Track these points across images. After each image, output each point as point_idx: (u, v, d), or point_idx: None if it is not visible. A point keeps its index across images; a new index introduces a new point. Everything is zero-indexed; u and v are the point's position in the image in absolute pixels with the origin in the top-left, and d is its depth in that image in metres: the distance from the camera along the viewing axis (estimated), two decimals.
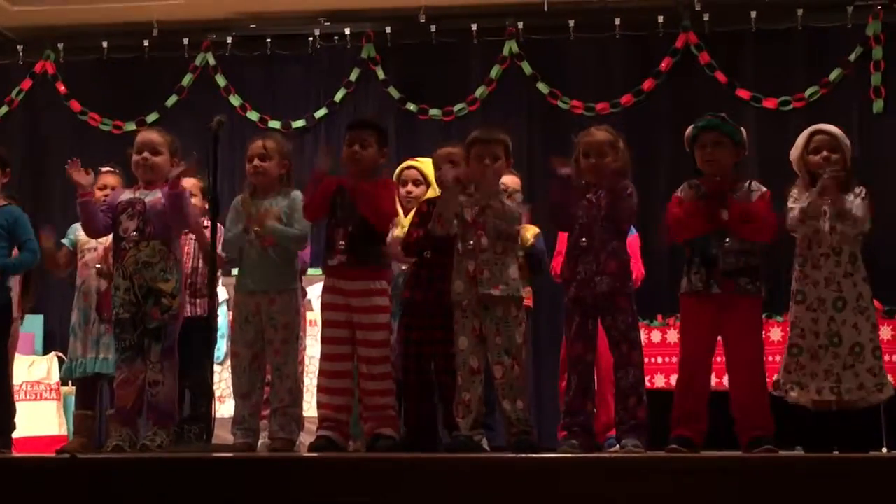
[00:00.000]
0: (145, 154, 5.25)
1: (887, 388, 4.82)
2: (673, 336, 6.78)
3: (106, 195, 5.68)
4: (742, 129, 4.94)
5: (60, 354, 7.02)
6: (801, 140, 5.02)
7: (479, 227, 4.92)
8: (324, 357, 5.09)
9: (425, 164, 5.63)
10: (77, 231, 5.89)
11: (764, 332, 6.31)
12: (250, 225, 5.16)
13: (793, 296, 4.92)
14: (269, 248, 5.16)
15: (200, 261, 5.73)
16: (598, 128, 5.03)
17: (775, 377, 4.94)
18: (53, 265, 5.84)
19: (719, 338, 4.86)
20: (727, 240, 4.75)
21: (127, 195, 5.27)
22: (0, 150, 5.68)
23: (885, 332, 6.35)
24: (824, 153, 4.92)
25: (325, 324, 5.11)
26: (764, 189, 4.87)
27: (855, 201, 4.88)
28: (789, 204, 4.95)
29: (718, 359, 5.01)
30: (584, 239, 4.85)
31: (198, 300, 5.69)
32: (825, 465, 4.09)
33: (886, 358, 6.10)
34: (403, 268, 5.39)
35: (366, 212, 5.01)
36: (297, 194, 5.26)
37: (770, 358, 6.22)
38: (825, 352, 4.78)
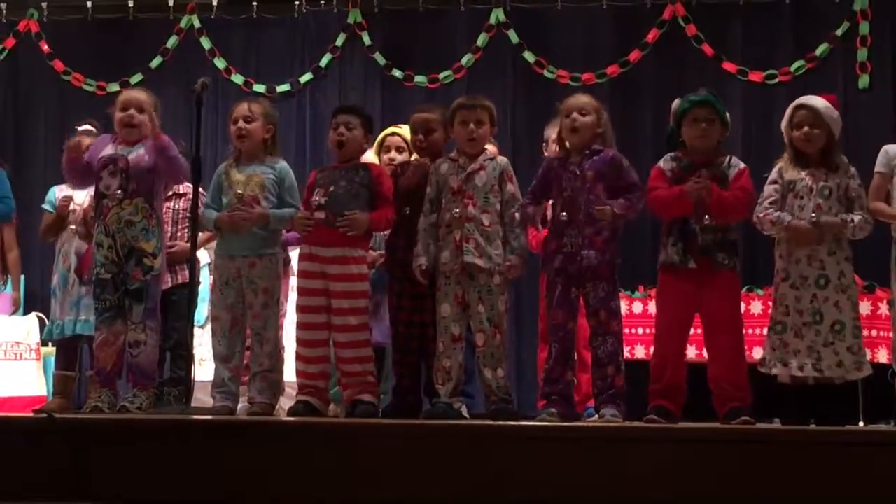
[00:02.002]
0: (131, 111, 5.22)
1: (865, 367, 4.85)
2: (654, 307, 6.79)
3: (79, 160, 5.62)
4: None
5: (41, 315, 6.99)
6: (787, 112, 5.03)
7: (465, 195, 4.93)
8: (300, 325, 5.08)
9: (408, 131, 5.62)
10: (56, 194, 5.85)
11: (744, 306, 6.36)
12: (230, 223, 5.13)
13: (777, 273, 4.93)
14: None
15: (179, 229, 5.70)
16: (582, 93, 5.04)
17: (762, 355, 4.95)
18: (50, 234, 5.83)
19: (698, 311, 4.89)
20: (707, 217, 4.76)
21: (109, 150, 5.24)
22: None
23: (863, 308, 6.36)
24: (805, 129, 4.92)
25: (301, 291, 5.09)
26: (742, 165, 4.88)
27: (852, 184, 4.89)
28: (768, 185, 4.95)
29: (697, 331, 5.04)
30: (564, 213, 4.85)
31: (177, 268, 5.65)
32: (802, 438, 4.12)
33: (865, 333, 6.15)
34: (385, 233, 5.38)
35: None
36: (285, 165, 5.24)
37: (750, 331, 6.27)
38: (808, 329, 4.80)
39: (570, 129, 4.91)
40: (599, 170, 4.87)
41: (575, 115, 4.90)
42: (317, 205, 5.03)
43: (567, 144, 4.97)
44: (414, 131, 5.29)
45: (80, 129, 5.98)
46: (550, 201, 5.04)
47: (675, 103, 5.01)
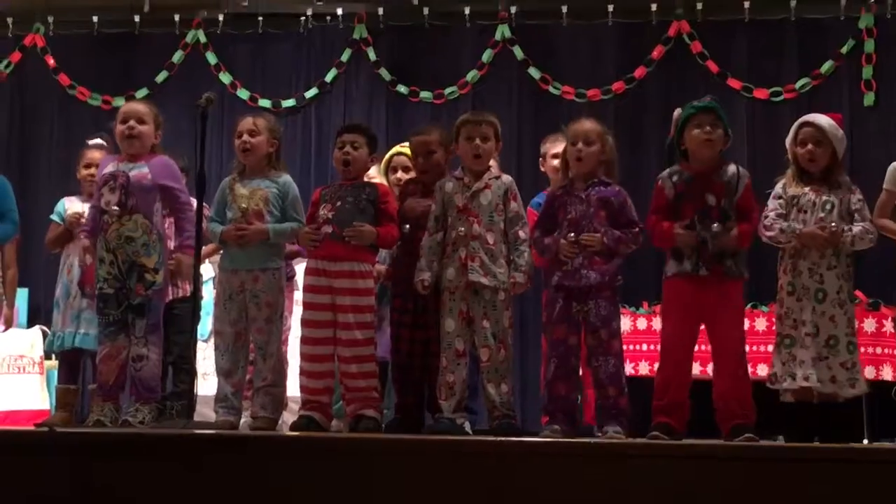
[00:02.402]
0: (131, 122, 5.23)
1: (860, 384, 4.82)
2: (659, 324, 6.79)
3: (92, 175, 5.64)
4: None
5: (45, 328, 7.00)
6: (792, 129, 5.03)
7: (470, 213, 4.93)
8: (305, 340, 5.07)
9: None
10: (65, 205, 5.87)
11: (749, 323, 6.34)
12: (235, 237, 5.13)
13: (782, 287, 4.91)
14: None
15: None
16: (588, 119, 5.04)
17: (771, 371, 4.93)
18: (57, 245, 5.83)
19: (702, 327, 4.88)
20: (715, 224, 4.76)
21: (110, 167, 5.25)
22: None
23: (868, 325, 6.36)
24: (809, 147, 4.92)
25: (307, 306, 5.09)
26: (748, 177, 4.88)
27: (853, 198, 4.88)
28: (772, 199, 4.95)
29: (702, 346, 5.03)
30: (571, 234, 4.84)
31: (179, 282, 5.65)
32: (806, 455, 4.10)
33: (870, 350, 6.15)
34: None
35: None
36: (288, 179, 5.25)
37: (754, 347, 6.26)
38: (810, 339, 4.79)
39: (576, 158, 4.91)
40: (605, 198, 4.87)
41: (580, 144, 4.90)
42: (324, 219, 5.04)
43: (571, 172, 4.97)
44: (414, 155, 5.31)
45: (91, 142, 5.99)
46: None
47: (677, 112, 5.01)
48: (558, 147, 5.66)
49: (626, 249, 4.90)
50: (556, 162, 5.60)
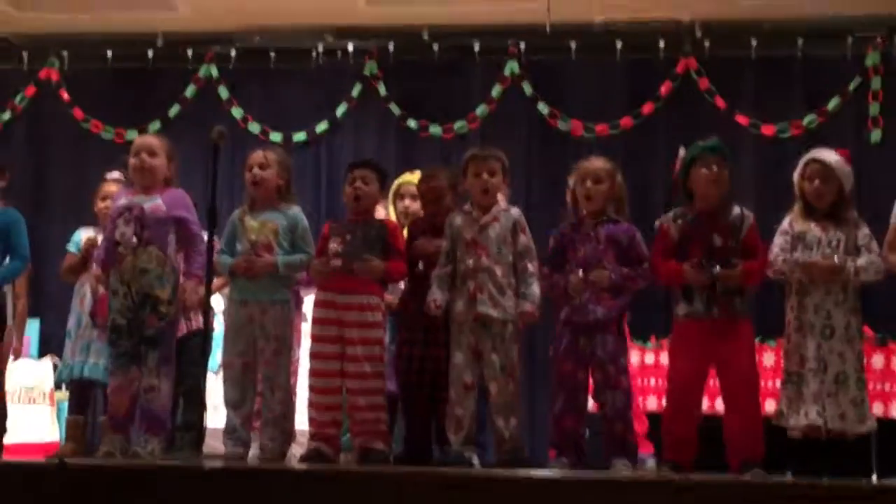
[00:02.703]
0: (143, 156, 5.28)
1: (869, 421, 4.82)
2: (666, 358, 6.79)
3: (108, 207, 5.69)
4: None
5: (56, 359, 7.02)
6: (799, 165, 5.04)
7: (479, 246, 4.96)
8: (314, 373, 5.09)
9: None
10: (81, 235, 5.92)
11: (757, 358, 6.33)
12: (244, 269, 5.16)
13: (789, 324, 4.92)
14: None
15: None
16: (597, 157, 5.08)
17: (777, 408, 4.93)
18: (72, 275, 5.87)
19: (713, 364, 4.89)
20: (718, 267, 4.78)
21: (124, 200, 5.29)
22: None
23: (876, 361, 6.36)
24: (816, 184, 4.93)
25: (315, 338, 5.11)
26: (752, 218, 4.90)
27: (860, 233, 4.89)
28: (779, 235, 4.97)
29: (711, 382, 5.03)
30: (581, 271, 4.87)
31: (192, 315, 5.68)
32: (814, 492, 4.09)
33: (878, 387, 6.14)
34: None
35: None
36: (298, 211, 5.28)
37: (763, 383, 6.25)
38: (813, 376, 4.79)
39: (585, 196, 4.95)
40: (614, 235, 4.91)
41: (589, 183, 4.94)
42: (333, 252, 5.07)
43: (581, 210, 5.01)
44: (422, 199, 5.36)
45: (109, 176, 6.04)
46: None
47: (682, 152, 5.04)
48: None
49: (635, 286, 4.93)
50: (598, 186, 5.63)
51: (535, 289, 4.96)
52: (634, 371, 5.83)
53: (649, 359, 6.93)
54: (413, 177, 5.80)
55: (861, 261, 4.83)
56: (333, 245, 5.10)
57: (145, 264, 5.15)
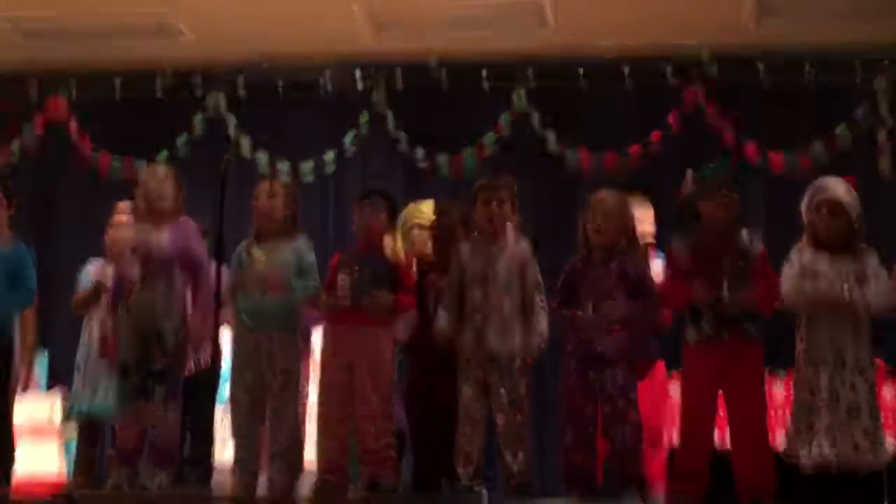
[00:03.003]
0: (150, 187, 5.28)
1: (883, 452, 4.79)
2: (676, 390, 6.74)
3: (118, 237, 5.69)
4: None
5: (65, 391, 7.00)
6: (807, 195, 5.02)
7: (487, 279, 4.96)
8: (323, 403, 5.09)
9: (429, 208, 5.67)
10: (90, 270, 5.91)
11: (766, 388, 6.29)
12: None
13: (799, 356, 4.89)
14: (274, 293, 5.17)
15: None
16: (609, 191, 5.06)
17: (786, 443, 4.89)
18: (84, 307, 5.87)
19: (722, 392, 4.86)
20: (726, 290, 4.76)
21: (132, 236, 5.29)
22: (5, 183, 5.70)
23: (887, 393, 6.31)
24: (826, 219, 4.90)
25: (325, 368, 5.11)
26: (761, 246, 4.87)
27: (871, 262, 4.87)
28: (787, 268, 4.94)
29: (721, 413, 5.00)
30: (591, 305, 4.85)
31: (201, 355, 5.67)
32: None
33: (892, 419, 6.08)
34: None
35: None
36: (304, 243, 5.27)
37: (772, 412, 6.21)
38: (825, 408, 4.76)
39: (595, 231, 4.94)
40: (625, 271, 4.89)
41: (600, 218, 4.94)
42: (342, 286, 5.06)
43: (591, 243, 4.99)
44: (435, 237, 5.34)
45: (120, 206, 6.05)
46: None
47: (689, 174, 5.02)
48: (639, 211, 5.68)
49: (645, 320, 4.91)
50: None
51: (543, 322, 4.94)
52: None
53: None
54: (419, 209, 5.79)
55: (870, 295, 4.79)
56: (342, 278, 5.08)
57: (152, 300, 5.14)
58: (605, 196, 5.02)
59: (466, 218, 5.21)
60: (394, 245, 5.70)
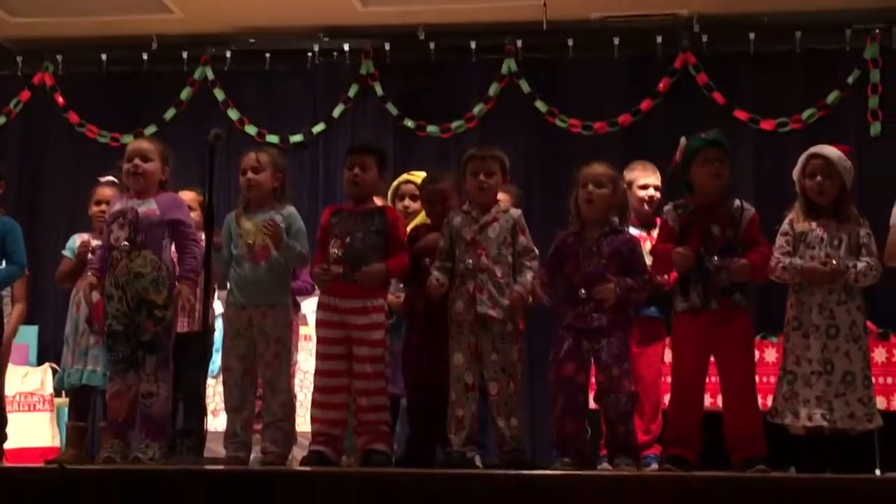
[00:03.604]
0: (136, 161, 5.25)
1: (876, 418, 4.80)
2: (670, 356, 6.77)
3: (102, 211, 5.68)
4: None
5: (54, 365, 7.01)
6: (800, 161, 5.02)
7: (478, 246, 4.94)
8: (319, 373, 5.09)
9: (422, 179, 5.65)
10: (76, 241, 5.90)
11: (759, 354, 6.31)
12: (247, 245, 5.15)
13: (788, 322, 4.90)
14: (262, 261, 5.16)
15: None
16: (599, 163, 5.05)
17: (772, 405, 4.91)
18: (69, 280, 5.85)
19: (711, 358, 4.87)
20: (715, 258, 4.76)
21: (119, 204, 5.27)
22: None
23: (878, 355, 6.34)
24: (818, 179, 4.90)
25: (321, 340, 5.11)
26: (753, 211, 4.88)
27: (861, 231, 4.87)
28: (780, 236, 4.94)
29: (713, 378, 5.02)
30: (583, 291, 4.84)
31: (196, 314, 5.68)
32: (817, 487, 4.08)
33: (881, 380, 6.12)
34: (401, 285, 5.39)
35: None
36: (293, 211, 5.26)
37: (764, 379, 6.22)
38: (818, 379, 4.76)
39: (586, 200, 4.93)
40: (616, 249, 4.88)
41: (591, 187, 4.92)
42: (335, 258, 5.04)
43: (582, 215, 4.98)
44: (427, 203, 5.32)
45: (102, 179, 6.03)
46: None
47: (683, 141, 5.00)
48: (647, 177, 5.67)
49: (638, 298, 4.91)
50: (641, 193, 5.63)
51: (528, 276, 4.92)
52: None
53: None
54: (412, 177, 5.77)
55: (861, 265, 4.80)
56: (334, 250, 5.06)
57: (140, 268, 5.13)
58: (595, 167, 5.01)
59: (459, 184, 5.19)
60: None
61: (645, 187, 5.74)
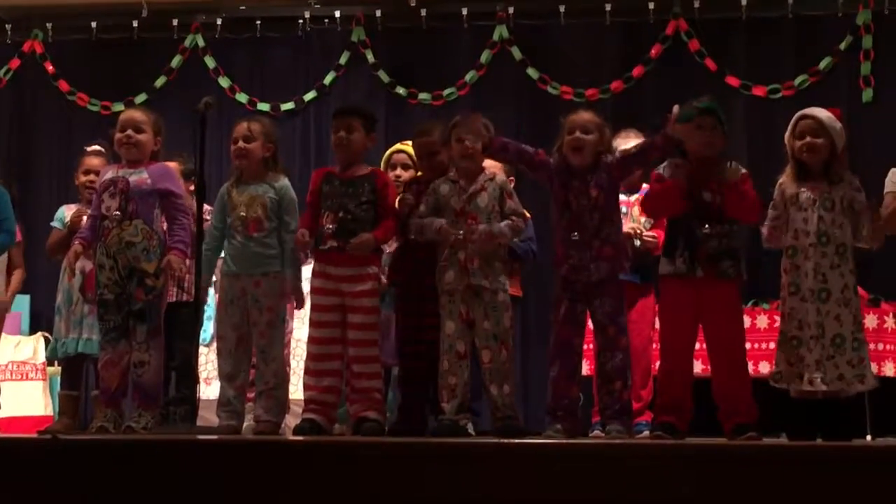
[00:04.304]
0: (129, 132, 5.24)
1: (868, 379, 4.80)
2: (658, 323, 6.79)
3: (91, 181, 5.67)
4: None
5: (47, 335, 7.01)
6: (791, 123, 5.00)
7: (468, 216, 4.94)
8: (312, 340, 5.10)
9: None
10: (65, 212, 5.88)
11: (750, 320, 6.34)
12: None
13: (785, 287, 4.89)
14: (254, 233, 5.15)
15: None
16: (585, 110, 5.03)
17: (776, 370, 4.92)
18: (58, 251, 5.85)
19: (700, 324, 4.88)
20: (706, 225, 4.75)
21: (110, 174, 5.26)
22: None
23: (870, 321, 6.36)
24: (808, 139, 4.89)
25: (315, 307, 5.12)
26: (743, 170, 4.87)
27: (858, 196, 4.87)
28: (771, 208, 4.93)
29: (703, 345, 5.03)
30: (575, 233, 4.83)
31: (185, 285, 5.68)
32: (809, 453, 4.09)
33: (872, 346, 6.14)
34: (388, 250, 5.38)
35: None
36: (285, 183, 5.25)
37: (756, 345, 6.26)
38: (815, 342, 4.77)
39: (574, 147, 4.89)
40: (602, 185, 4.86)
41: (578, 133, 4.88)
42: (328, 232, 5.03)
43: (570, 161, 4.95)
44: (417, 156, 5.31)
45: (89, 149, 6.00)
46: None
47: (676, 109, 4.96)
48: (628, 143, 5.67)
49: (656, 152, 4.89)
50: None
51: (505, 228, 4.93)
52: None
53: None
54: (404, 146, 5.75)
55: (858, 235, 4.84)
56: (327, 224, 5.05)
57: (131, 237, 5.13)
58: (582, 114, 4.97)
59: (448, 139, 5.16)
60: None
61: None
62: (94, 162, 5.86)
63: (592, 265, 4.80)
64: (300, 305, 5.32)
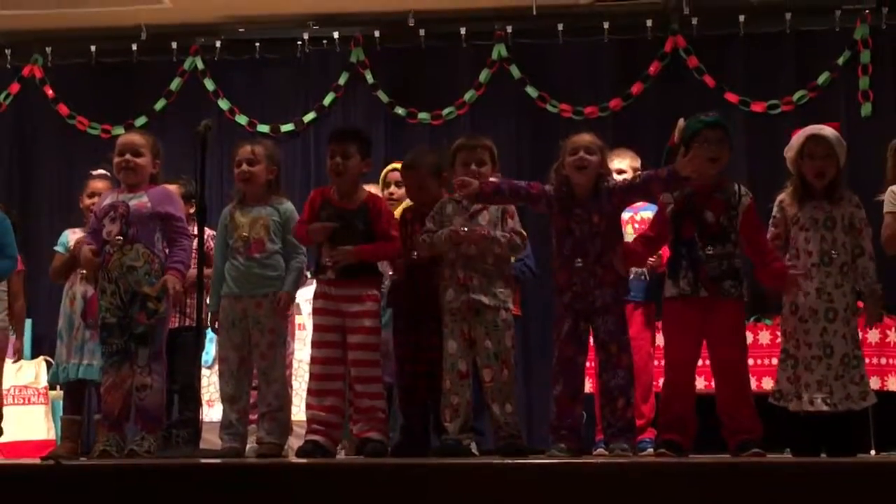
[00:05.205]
0: (127, 156, 5.25)
1: (870, 396, 4.82)
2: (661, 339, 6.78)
3: (94, 205, 5.68)
4: None
5: (49, 359, 7.00)
6: (796, 142, 4.97)
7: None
8: (314, 361, 5.10)
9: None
10: (69, 236, 5.89)
11: (752, 336, 6.34)
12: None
13: (785, 305, 4.89)
14: (256, 254, 5.16)
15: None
16: (587, 132, 5.04)
17: (776, 387, 4.92)
18: (62, 275, 5.85)
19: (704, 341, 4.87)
20: (709, 247, 4.74)
21: (110, 198, 5.27)
22: None
23: (872, 336, 6.36)
24: (819, 162, 4.87)
25: (316, 328, 5.12)
26: (750, 197, 4.84)
27: (858, 214, 4.87)
28: (774, 212, 4.94)
29: (706, 361, 5.02)
30: (579, 260, 4.81)
31: (187, 310, 5.69)
32: (813, 469, 4.08)
33: (875, 360, 6.15)
34: (390, 273, 5.39)
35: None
36: (289, 206, 5.25)
37: (759, 361, 6.25)
38: (818, 362, 4.76)
39: (578, 167, 4.88)
40: (604, 210, 4.84)
41: (582, 153, 4.87)
42: (330, 263, 5.03)
43: (572, 182, 4.94)
44: (407, 187, 5.33)
45: (94, 173, 6.02)
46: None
47: (681, 123, 4.94)
48: (622, 161, 5.68)
49: (658, 186, 4.85)
50: (619, 177, 5.61)
51: (502, 238, 4.94)
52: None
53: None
54: (398, 169, 5.76)
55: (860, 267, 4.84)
56: (326, 259, 5.06)
57: (132, 262, 5.13)
58: (584, 136, 4.97)
59: (438, 168, 5.15)
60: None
61: (620, 171, 5.71)
62: (98, 186, 5.89)
63: (597, 291, 4.79)
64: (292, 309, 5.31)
